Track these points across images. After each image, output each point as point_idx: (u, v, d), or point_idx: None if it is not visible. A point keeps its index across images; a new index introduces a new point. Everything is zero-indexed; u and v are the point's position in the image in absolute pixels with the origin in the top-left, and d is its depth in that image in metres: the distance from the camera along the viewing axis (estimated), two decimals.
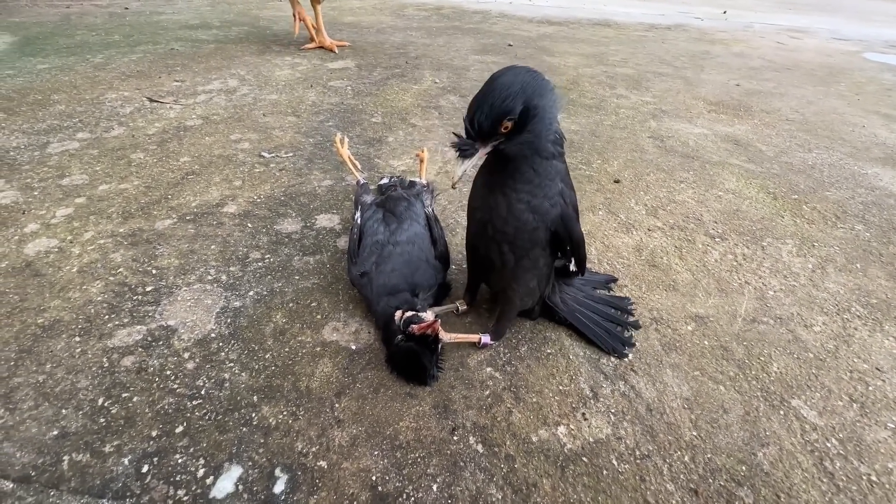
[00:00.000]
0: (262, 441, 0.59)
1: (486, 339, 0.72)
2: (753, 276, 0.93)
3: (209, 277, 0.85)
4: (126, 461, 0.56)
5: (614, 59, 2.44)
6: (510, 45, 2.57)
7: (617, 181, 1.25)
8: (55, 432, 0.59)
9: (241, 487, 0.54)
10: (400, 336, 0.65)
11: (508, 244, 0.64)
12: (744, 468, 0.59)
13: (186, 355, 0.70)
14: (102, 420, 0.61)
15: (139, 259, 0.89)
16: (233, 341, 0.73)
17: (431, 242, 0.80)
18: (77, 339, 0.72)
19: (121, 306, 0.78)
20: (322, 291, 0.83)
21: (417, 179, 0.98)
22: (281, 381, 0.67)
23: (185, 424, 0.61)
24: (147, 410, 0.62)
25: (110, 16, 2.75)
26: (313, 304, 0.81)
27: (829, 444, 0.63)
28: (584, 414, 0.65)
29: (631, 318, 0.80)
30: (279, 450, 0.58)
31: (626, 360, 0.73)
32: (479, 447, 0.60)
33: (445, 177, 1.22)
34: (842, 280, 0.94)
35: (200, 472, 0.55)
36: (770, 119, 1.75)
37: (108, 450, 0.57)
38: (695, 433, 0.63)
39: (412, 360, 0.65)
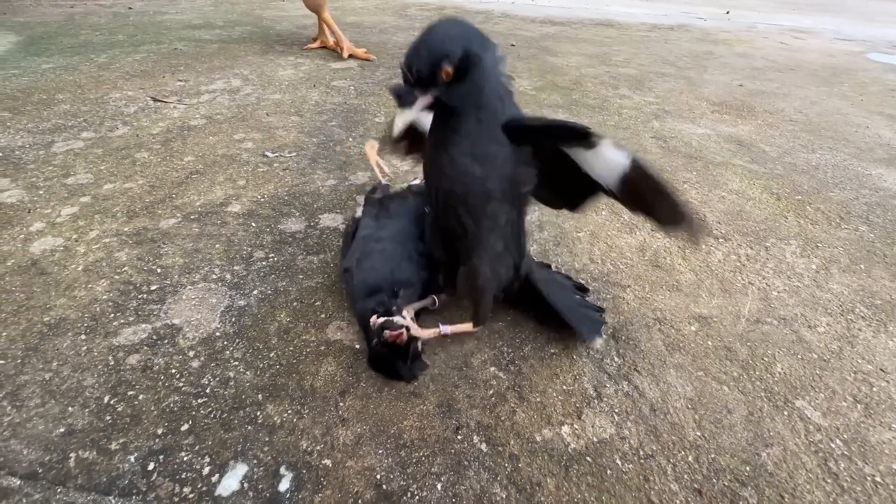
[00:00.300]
0: (267, 439, 0.59)
1: (445, 328, 0.69)
2: (757, 277, 0.93)
3: (214, 276, 0.86)
4: (132, 459, 0.57)
5: (617, 59, 2.44)
6: (513, 45, 2.57)
7: None
8: (62, 430, 0.59)
9: (246, 485, 0.55)
10: (375, 341, 0.66)
11: (463, 205, 0.59)
12: (748, 468, 0.59)
13: (191, 354, 0.71)
14: (108, 418, 0.61)
15: (144, 258, 0.89)
16: (237, 340, 0.73)
17: (420, 238, 0.78)
18: (83, 337, 0.72)
19: (126, 305, 0.78)
20: (326, 291, 0.84)
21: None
22: (285, 380, 0.67)
23: (190, 422, 0.61)
24: (153, 408, 0.62)
25: (114, 16, 2.76)
26: (317, 304, 0.81)
27: (833, 445, 0.63)
28: (587, 414, 0.65)
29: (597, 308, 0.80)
30: (284, 448, 0.59)
31: (621, 361, 0.73)
32: (484, 446, 0.60)
33: None
34: (846, 281, 0.94)
35: (206, 470, 0.56)
36: (773, 119, 1.75)
37: (115, 447, 0.58)
38: (699, 433, 0.63)
39: (386, 364, 0.66)
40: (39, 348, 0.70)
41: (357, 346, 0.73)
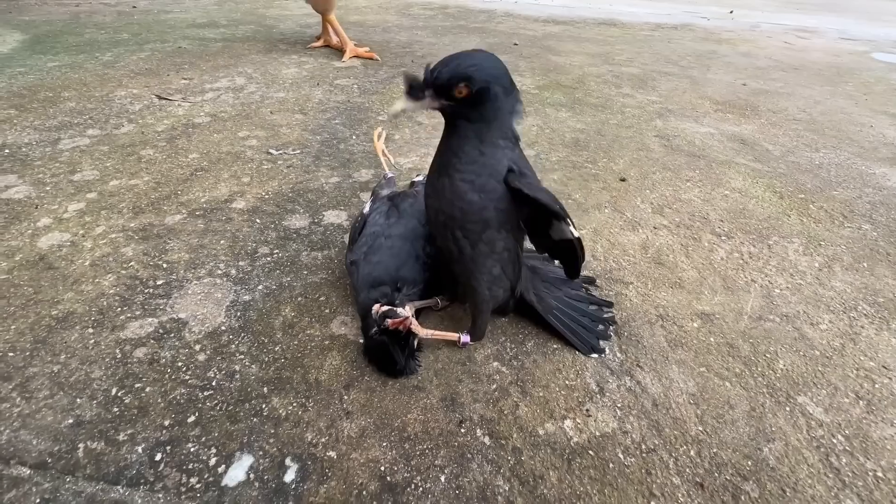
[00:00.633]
0: (272, 431, 0.60)
1: (465, 338, 0.71)
2: (760, 275, 0.93)
3: (219, 272, 0.86)
4: (140, 449, 0.57)
5: (620, 58, 2.44)
6: (516, 44, 2.57)
7: (623, 179, 1.25)
8: (70, 421, 0.60)
9: (252, 476, 0.55)
10: (375, 329, 0.66)
11: (460, 230, 0.62)
12: (749, 463, 0.60)
13: (198, 347, 0.71)
14: (116, 409, 0.62)
15: (150, 253, 0.90)
16: (243, 334, 0.74)
17: (428, 240, 0.79)
18: (90, 330, 0.73)
19: (133, 299, 0.79)
20: (330, 286, 0.84)
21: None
22: (290, 374, 0.68)
23: (197, 414, 0.62)
24: (160, 400, 0.63)
25: (118, 14, 2.77)
26: (322, 299, 0.81)
27: (835, 441, 0.63)
28: (590, 408, 0.65)
29: (608, 314, 0.79)
30: (289, 440, 0.59)
31: (623, 357, 0.73)
32: (487, 440, 0.61)
33: None
34: (848, 279, 0.94)
35: (212, 461, 0.56)
36: (777, 119, 1.75)
37: (122, 438, 0.58)
38: (701, 428, 0.64)
39: (383, 353, 0.66)
40: (48, 341, 0.71)
41: (361, 341, 0.73)
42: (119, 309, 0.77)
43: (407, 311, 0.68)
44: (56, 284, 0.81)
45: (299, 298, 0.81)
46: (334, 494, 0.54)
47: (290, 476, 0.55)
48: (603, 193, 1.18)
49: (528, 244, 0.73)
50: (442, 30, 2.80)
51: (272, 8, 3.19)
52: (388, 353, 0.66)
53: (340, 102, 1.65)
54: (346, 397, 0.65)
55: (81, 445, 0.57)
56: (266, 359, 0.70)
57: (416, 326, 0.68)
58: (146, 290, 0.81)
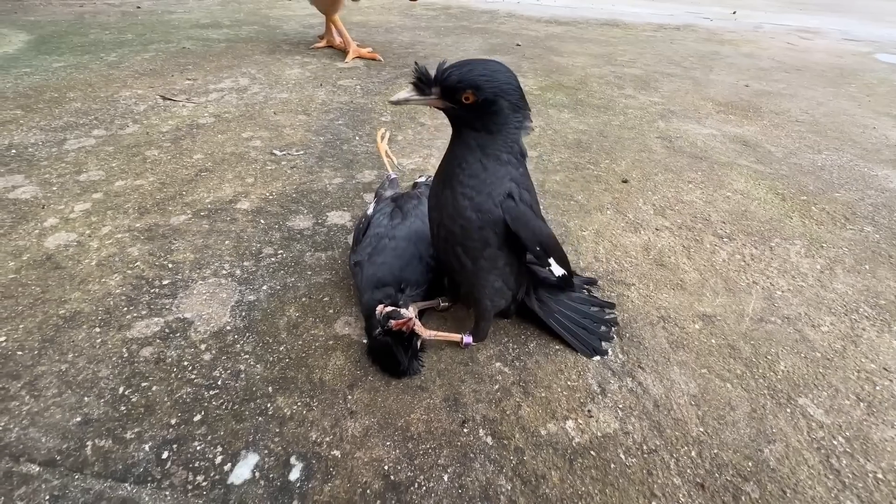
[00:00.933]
0: (277, 430, 0.61)
1: (467, 339, 0.72)
2: (761, 276, 0.94)
3: (224, 272, 0.87)
4: (147, 447, 0.58)
5: (622, 59, 2.44)
6: (518, 44, 2.58)
7: (625, 181, 1.26)
8: (78, 419, 0.61)
9: (257, 474, 0.56)
10: (379, 329, 0.67)
11: (460, 246, 0.62)
12: (750, 464, 0.60)
13: (203, 347, 0.72)
14: (123, 408, 0.63)
15: (155, 253, 0.91)
16: (248, 334, 0.75)
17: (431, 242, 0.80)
18: (97, 329, 0.74)
19: (139, 299, 0.80)
20: (334, 287, 0.85)
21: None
22: (295, 373, 0.69)
23: (202, 413, 0.62)
24: (166, 399, 0.64)
25: (123, 15, 2.78)
26: (325, 299, 0.82)
27: (835, 442, 0.63)
28: (591, 409, 0.66)
29: (610, 316, 0.80)
30: (294, 439, 0.60)
31: (625, 358, 0.74)
32: (489, 439, 0.61)
33: None
34: (850, 281, 0.94)
35: (218, 459, 0.57)
36: (779, 120, 1.75)
37: (130, 436, 0.59)
38: (702, 429, 0.64)
39: (387, 353, 0.67)
40: (55, 340, 0.72)
41: (365, 341, 0.74)
42: (125, 308, 0.78)
43: (410, 311, 0.68)
44: (63, 284, 0.82)
45: (303, 299, 0.82)
46: (339, 493, 0.55)
47: (294, 474, 0.56)
48: (605, 195, 1.19)
49: None
50: (444, 30, 2.81)
51: (275, 8, 3.20)
52: (392, 354, 0.66)
53: (343, 103, 1.66)
54: (350, 397, 0.66)
55: (89, 443, 0.58)
56: (271, 358, 0.71)
57: (419, 327, 0.68)
58: (152, 290, 0.82)
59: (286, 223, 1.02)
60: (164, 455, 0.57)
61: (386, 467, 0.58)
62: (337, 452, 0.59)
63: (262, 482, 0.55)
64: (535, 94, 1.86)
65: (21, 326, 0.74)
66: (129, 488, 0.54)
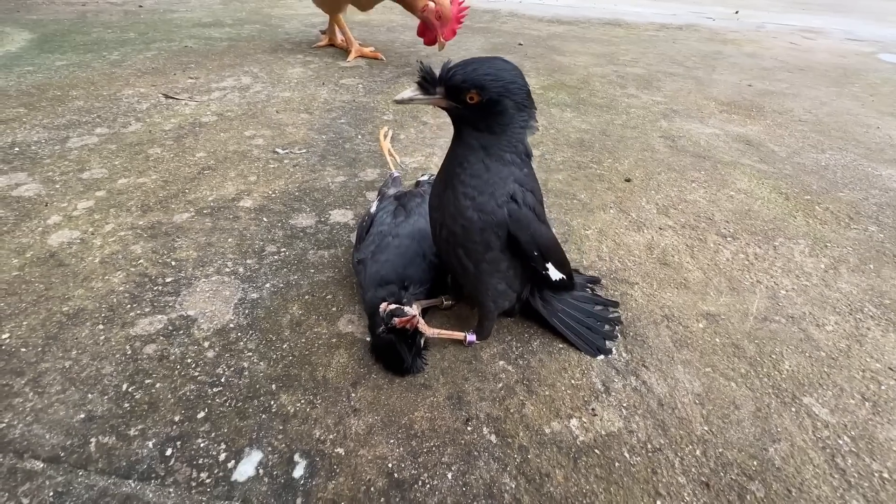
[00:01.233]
0: (281, 428, 0.61)
1: (471, 337, 0.72)
2: (765, 276, 0.93)
3: (227, 269, 0.87)
4: (150, 444, 0.58)
5: (625, 58, 2.43)
6: (520, 44, 2.57)
7: (628, 180, 1.25)
8: (82, 415, 0.61)
9: (261, 471, 0.56)
10: (382, 327, 0.67)
11: (462, 248, 0.61)
12: (755, 463, 0.60)
13: (206, 344, 0.72)
14: (127, 405, 0.63)
15: (158, 251, 0.91)
16: (251, 331, 0.75)
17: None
18: (101, 327, 0.74)
19: (142, 296, 0.80)
20: (337, 284, 0.85)
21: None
22: (298, 371, 0.69)
23: (206, 410, 0.62)
24: (169, 396, 0.64)
25: (125, 14, 2.79)
26: (328, 297, 0.82)
27: (840, 441, 0.63)
28: (595, 408, 0.66)
29: (613, 314, 0.80)
30: (298, 436, 0.60)
31: (629, 357, 0.74)
32: (493, 437, 0.61)
33: None
34: (855, 280, 0.94)
35: (222, 456, 0.57)
36: (782, 120, 1.74)
37: (133, 433, 0.59)
38: (706, 428, 0.64)
39: (390, 351, 0.67)
40: (59, 337, 0.72)
41: (368, 339, 0.74)
42: (129, 306, 0.78)
43: (414, 309, 0.68)
44: (66, 281, 0.82)
45: (306, 296, 0.82)
46: (343, 490, 0.55)
47: (298, 472, 0.56)
48: (608, 194, 1.19)
49: None
50: None
51: (277, 7, 3.20)
52: (395, 352, 0.66)
53: (346, 102, 1.66)
54: (353, 395, 0.66)
55: (93, 440, 0.58)
56: (274, 356, 0.71)
57: (422, 325, 0.68)
58: (155, 288, 0.82)
59: (289, 221, 1.02)
60: (168, 452, 0.57)
61: (390, 465, 0.57)
62: (341, 450, 0.59)
63: (266, 479, 0.55)
64: (537, 93, 1.85)
65: (25, 323, 0.74)
66: (132, 485, 0.54)
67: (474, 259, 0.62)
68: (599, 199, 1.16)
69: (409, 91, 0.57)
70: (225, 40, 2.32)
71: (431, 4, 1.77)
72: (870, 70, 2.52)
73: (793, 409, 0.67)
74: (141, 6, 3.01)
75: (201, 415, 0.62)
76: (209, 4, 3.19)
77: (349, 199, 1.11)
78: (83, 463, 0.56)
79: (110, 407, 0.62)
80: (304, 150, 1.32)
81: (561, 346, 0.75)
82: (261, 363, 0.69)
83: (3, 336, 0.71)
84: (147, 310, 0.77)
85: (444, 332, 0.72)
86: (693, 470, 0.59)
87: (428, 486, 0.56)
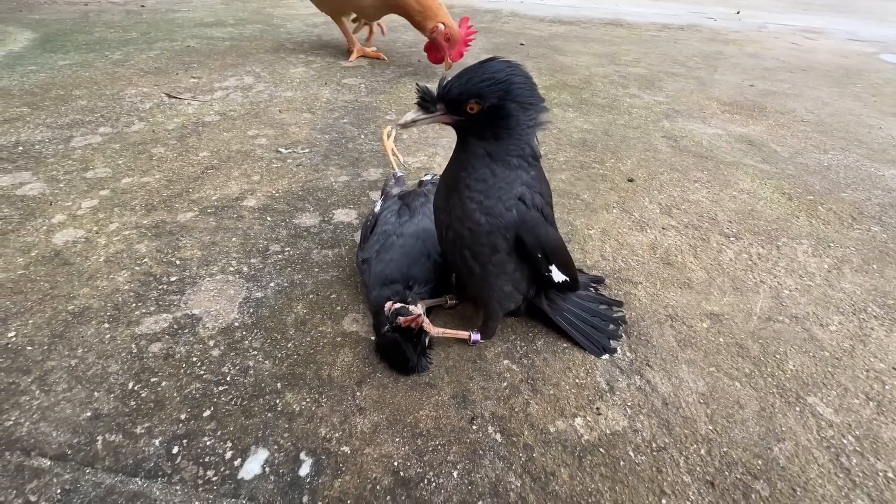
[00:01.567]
0: (286, 426, 0.61)
1: (475, 336, 0.72)
2: (769, 276, 0.94)
3: (231, 269, 0.87)
4: (157, 442, 0.58)
5: (626, 58, 2.44)
6: (522, 44, 2.58)
7: (631, 180, 1.26)
8: (88, 413, 0.61)
9: (267, 469, 0.56)
10: (387, 326, 0.67)
11: (468, 250, 0.61)
12: (760, 462, 0.60)
13: (212, 343, 0.72)
14: (133, 403, 0.63)
15: (163, 250, 0.91)
16: (256, 330, 0.75)
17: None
18: (106, 325, 0.74)
19: (147, 295, 0.80)
20: (341, 284, 0.85)
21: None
22: (303, 370, 0.69)
23: (212, 409, 0.63)
24: (175, 395, 0.64)
25: (127, 13, 2.79)
26: (333, 296, 0.82)
27: (845, 441, 0.63)
28: (600, 407, 0.66)
29: (618, 314, 0.80)
30: (303, 435, 0.60)
31: (633, 356, 0.74)
32: (498, 436, 0.61)
33: None
34: (858, 280, 0.94)
35: (228, 455, 0.57)
36: (785, 120, 1.74)
37: (140, 431, 0.59)
38: (711, 427, 0.64)
39: (395, 350, 0.67)
40: (65, 336, 0.72)
41: (373, 338, 0.74)
42: (134, 304, 0.78)
43: (418, 308, 0.68)
44: (72, 280, 0.82)
45: (311, 296, 0.82)
46: (349, 489, 0.55)
47: (304, 470, 0.56)
48: (611, 194, 1.19)
49: None
50: None
51: (279, 7, 3.20)
52: (400, 350, 0.67)
53: (348, 102, 1.66)
54: (358, 393, 0.66)
55: (100, 438, 0.58)
56: (279, 355, 0.71)
57: (427, 324, 0.68)
58: (160, 287, 0.82)
59: (293, 221, 1.02)
60: (175, 450, 0.57)
61: (395, 463, 0.58)
62: (346, 448, 0.59)
63: (272, 477, 0.55)
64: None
65: (30, 322, 0.74)
66: (139, 483, 0.54)
67: (480, 261, 0.62)
68: (602, 198, 1.16)
69: (411, 114, 0.56)
70: (227, 40, 2.32)
71: (441, 27, 1.78)
72: (872, 70, 2.52)
73: (797, 409, 0.67)
74: (143, 6, 3.01)
75: (207, 413, 0.62)
76: (211, 4, 3.19)
77: (353, 198, 1.11)
78: (90, 461, 0.56)
79: (116, 405, 0.62)
80: (308, 150, 1.32)
81: (565, 345, 0.75)
82: (266, 362, 0.70)
83: (10, 334, 0.71)
84: (152, 308, 0.78)
85: (448, 331, 0.72)
86: (698, 469, 0.59)
87: (433, 484, 0.56)
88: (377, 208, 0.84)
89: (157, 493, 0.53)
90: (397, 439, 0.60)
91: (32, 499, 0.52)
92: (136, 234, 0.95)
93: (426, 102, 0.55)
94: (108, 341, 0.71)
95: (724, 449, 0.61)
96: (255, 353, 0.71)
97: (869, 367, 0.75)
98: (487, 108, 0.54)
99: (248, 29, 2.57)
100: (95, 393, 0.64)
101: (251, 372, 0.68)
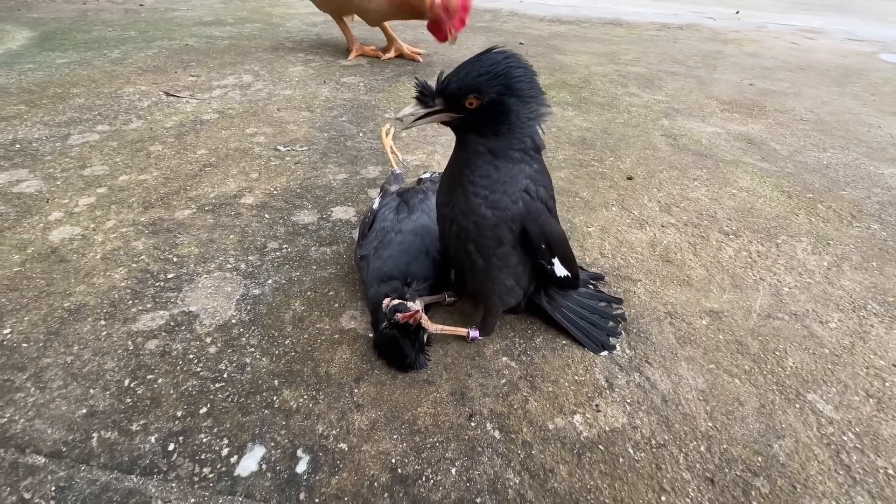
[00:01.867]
0: (283, 423, 0.60)
1: (474, 333, 0.72)
2: (768, 273, 0.93)
3: (229, 266, 0.87)
4: (153, 439, 0.58)
5: (626, 57, 2.43)
6: (521, 43, 2.57)
7: (630, 178, 1.25)
8: (84, 410, 0.61)
9: (264, 466, 0.56)
10: (385, 323, 0.66)
11: (473, 243, 0.61)
12: (760, 459, 0.60)
13: (208, 340, 0.72)
14: (129, 400, 0.62)
15: (160, 247, 0.91)
16: (253, 327, 0.74)
17: (438, 236, 0.80)
18: (102, 322, 0.74)
19: (144, 292, 0.80)
20: (339, 281, 0.85)
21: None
22: (301, 367, 0.68)
23: (208, 406, 0.62)
24: (172, 392, 0.64)
25: (126, 12, 2.78)
26: (331, 293, 0.82)
27: (845, 438, 0.63)
28: (599, 404, 0.66)
29: (618, 311, 0.79)
30: (301, 432, 0.60)
31: (632, 353, 0.73)
32: (497, 433, 0.61)
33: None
34: (857, 278, 0.94)
35: (225, 452, 0.57)
36: (784, 119, 1.74)
37: (136, 428, 0.59)
38: (710, 424, 0.64)
39: (394, 347, 0.66)
40: (60, 332, 0.71)
41: (371, 335, 0.74)
42: (130, 302, 0.78)
43: (417, 304, 0.68)
44: (68, 277, 0.82)
45: (308, 293, 0.82)
46: (346, 486, 0.54)
47: (301, 467, 0.56)
48: (610, 191, 1.18)
49: None
50: None
51: (278, 6, 3.20)
52: (398, 347, 0.66)
53: (347, 100, 1.66)
54: (356, 390, 0.65)
55: (95, 435, 0.58)
56: (276, 352, 0.70)
57: (425, 321, 0.68)
58: (157, 284, 0.82)
59: (291, 218, 1.02)
60: (171, 447, 0.57)
61: (393, 460, 0.57)
62: (344, 445, 0.58)
63: (268, 474, 0.55)
64: None
65: (26, 319, 0.73)
66: (135, 480, 0.54)
67: (485, 254, 0.62)
68: (601, 196, 1.16)
69: (409, 108, 0.55)
70: (226, 39, 2.32)
71: (438, 0, 1.77)
72: (871, 70, 2.52)
73: (797, 406, 0.67)
74: (142, 5, 3.00)
75: (203, 410, 0.62)
76: (210, 3, 3.18)
77: (351, 196, 1.11)
78: (85, 458, 0.55)
79: (112, 402, 0.62)
80: (306, 148, 1.31)
81: (564, 342, 0.75)
82: (263, 359, 0.69)
83: (5, 331, 0.71)
84: (149, 305, 0.77)
85: (447, 327, 0.72)
86: (698, 466, 0.59)
87: (432, 481, 0.55)
88: (375, 205, 0.84)
89: (153, 490, 0.53)
90: (395, 436, 0.60)
91: (27, 496, 0.51)
92: (133, 231, 0.95)
93: (425, 97, 0.55)
94: (105, 338, 0.71)
95: (724, 446, 0.61)
96: (253, 349, 0.71)
97: (869, 364, 0.74)
98: (486, 103, 0.53)
99: (246, 28, 2.57)
100: (91, 390, 0.63)
101: (248, 369, 0.68)
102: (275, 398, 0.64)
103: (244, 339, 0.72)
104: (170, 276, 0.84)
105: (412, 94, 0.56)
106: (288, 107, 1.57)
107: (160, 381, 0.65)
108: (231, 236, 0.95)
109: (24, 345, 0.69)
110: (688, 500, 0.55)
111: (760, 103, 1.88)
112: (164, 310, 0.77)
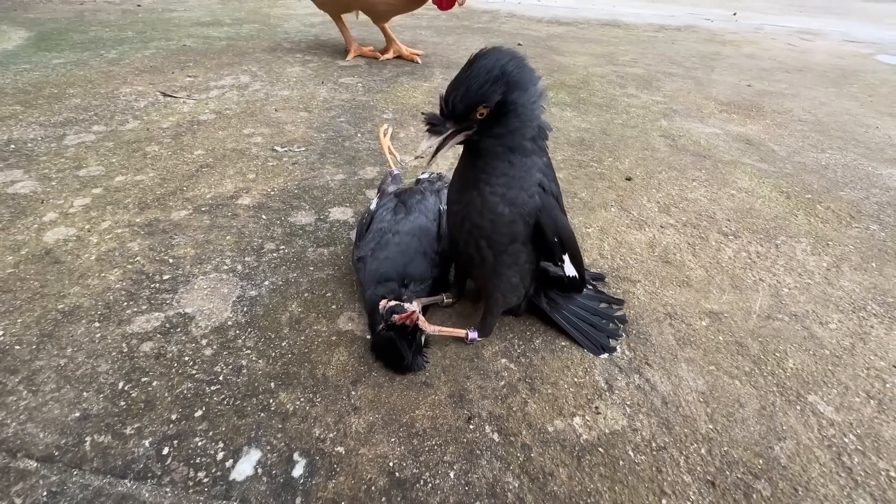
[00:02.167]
0: (280, 426, 0.60)
1: (472, 334, 0.71)
2: (768, 274, 0.93)
3: (225, 267, 0.86)
4: (147, 443, 0.57)
5: (624, 59, 2.44)
6: (519, 44, 2.57)
7: (629, 179, 1.25)
8: (77, 414, 0.60)
9: (260, 471, 0.55)
10: (382, 325, 0.66)
11: (486, 239, 0.61)
12: (761, 461, 0.59)
13: (204, 342, 0.71)
14: (123, 403, 0.61)
15: (156, 248, 0.90)
16: (249, 329, 0.74)
17: (437, 237, 0.80)
18: (97, 324, 0.73)
19: (139, 294, 0.79)
20: (337, 282, 0.84)
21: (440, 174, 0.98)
22: (297, 369, 0.68)
23: (204, 409, 0.61)
24: (166, 395, 0.63)
25: (123, 13, 2.77)
26: (328, 295, 0.81)
27: (846, 440, 0.62)
28: (599, 406, 0.65)
29: (618, 312, 0.79)
30: (297, 435, 0.59)
31: (632, 355, 0.73)
32: (496, 436, 0.60)
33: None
34: (857, 279, 0.93)
35: (220, 455, 0.56)
36: (782, 119, 1.74)
37: (129, 432, 0.58)
38: (711, 426, 0.63)
39: (391, 348, 0.66)
40: (54, 335, 0.71)
41: (368, 337, 0.73)
42: (125, 303, 0.77)
43: (414, 305, 0.67)
44: (62, 278, 0.81)
45: (306, 294, 0.81)
46: (343, 490, 0.54)
47: (298, 471, 0.55)
48: (609, 192, 1.18)
49: None
50: (445, 29, 2.80)
51: (276, 7, 3.19)
52: (396, 349, 0.65)
53: (345, 101, 1.65)
54: (353, 393, 0.65)
55: (88, 439, 0.57)
56: (273, 354, 0.70)
57: (423, 322, 0.67)
58: (152, 285, 0.81)
59: (288, 219, 1.01)
60: (165, 451, 0.56)
61: (391, 464, 0.56)
62: (341, 449, 0.58)
63: (264, 479, 0.54)
64: None
65: (19, 321, 0.72)
66: (128, 484, 0.53)
67: (496, 250, 0.62)
68: (600, 197, 1.15)
69: (425, 142, 0.55)
70: (223, 39, 2.31)
71: None
72: (868, 71, 2.52)
73: (798, 408, 0.66)
74: (139, 5, 3.00)
75: (199, 413, 0.61)
76: (208, 4, 3.18)
77: (349, 196, 1.10)
78: (78, 462, 0.54)
79: (106, 405, 0.61)
80: (304, 149, 1.31)
81: (563, 343, 0.74)
82: (259, 361, 0.68)
83: None
84: (144, 307, 0.76)
85: (445, 329, 0.71)
86: (698, 468, 0.58)
87: (430, 485, 0.55)
88: (373, 206, 0.83)
89: (147, 494, 0.52)
90: (393, 439, 0.59)
91: (18, 501, 0.51)
92: (128, 232, 0.94)
93: (436, 126, 0.55)
94: (99, 340, 0.70)
95: (725, 448, 0.60)
96: (249, 352, 0.70)
97: (869, 365, 0.74)
98: (496, 106, 0.54)
99: (244, 28, 2.56)
100: (84, 393, 0.62)
101: (244, 371, 0.67)
102: (271, 401, 0.63)
103: (240, 341, 0.72)
104: (165, 277, 0.83)
105: (423, 129, 0.56)
106: (285, 107, 1.57)
107: (155, 383, 0.64)
108: (227, 237, 0.94)
109: (17, 347, 0.68)
110: (688, 503, 0.54)
111: (758, 104, 1.88)
112: (160, 311, 0.76)
